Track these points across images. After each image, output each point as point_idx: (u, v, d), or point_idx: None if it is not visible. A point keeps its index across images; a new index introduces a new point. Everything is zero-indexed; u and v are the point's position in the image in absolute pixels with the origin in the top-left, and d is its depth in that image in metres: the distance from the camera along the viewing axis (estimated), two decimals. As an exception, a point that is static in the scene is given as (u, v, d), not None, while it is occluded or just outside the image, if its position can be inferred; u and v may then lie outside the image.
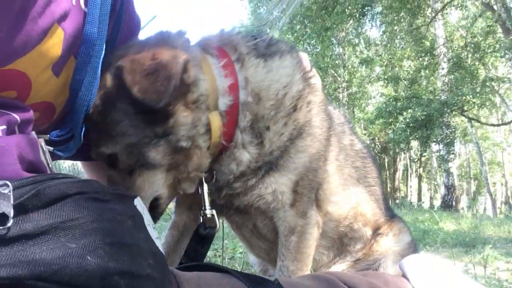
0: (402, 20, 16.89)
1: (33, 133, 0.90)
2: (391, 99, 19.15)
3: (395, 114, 17.62)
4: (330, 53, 21.22)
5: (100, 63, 0.97)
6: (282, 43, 1.31)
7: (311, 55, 20.77)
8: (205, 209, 1.23)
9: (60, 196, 0.70)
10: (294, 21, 17.24)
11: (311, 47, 20.45)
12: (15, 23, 0.78)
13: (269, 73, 1.19)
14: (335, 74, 22.60)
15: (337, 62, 22.31)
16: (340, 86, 22.63)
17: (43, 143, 0.92)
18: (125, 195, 0.88)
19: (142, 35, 1.23)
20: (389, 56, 19.88)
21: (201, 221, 1.25)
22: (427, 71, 18.17)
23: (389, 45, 19.43)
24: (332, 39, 19.86)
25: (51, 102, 0.98)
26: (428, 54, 16.94)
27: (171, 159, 1.08)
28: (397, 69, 20.06)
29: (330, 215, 1.38)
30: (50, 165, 0.92)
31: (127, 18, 1.13)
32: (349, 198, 1.42)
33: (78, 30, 0.91)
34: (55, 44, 0.88)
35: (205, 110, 1.08)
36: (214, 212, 1.24)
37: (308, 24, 17.07)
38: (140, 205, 0.91)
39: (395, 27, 17.67)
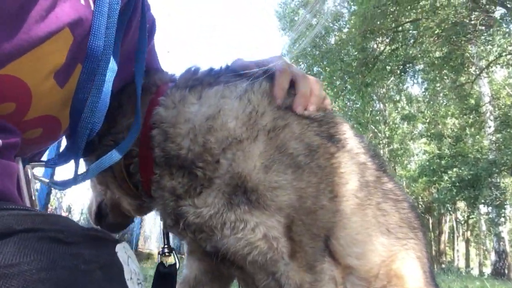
0: (445, 77, 16.64)
1: (19, 159, 0.80)
2: (434, 157, 18.50)
3: (439, 172, 16.95)
4: (371, 109, 21.06)
5: (109, 81, 0.86)
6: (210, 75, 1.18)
7: (351, 111, 20.75)
8: (164, 247, 1.21)
9: (2, 232, 0.55)
10: (334, 77, 17.39)
11: (351, 102, 20.43)
12: (10, 21, 0.69)
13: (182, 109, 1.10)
14: (376, 130, 22.28)
15: (377, 118, 22.06)
16: (380, 142, 22.20)
17: (29, 172, 0.82)
18: (101, 238, 0.73)
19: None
20: (432, 113, 19.46)
21: (159, 260, 1.23)
22: (472, 129, 17.57)
23: (431, 102, 19.09)
24: (372, 95, 19.78)
25: (55, 117, 0.87)
26: (474, 112, 16.44)
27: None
28: (440, 126, 19.55)
29: (354, 270, 1.08)
30: (33, 197, 0.82)
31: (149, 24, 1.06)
32: (377, 249, 1.10)
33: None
34: (59, 49, 0.78)
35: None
36: (173, 249, 1.22)
37: (348, 80, 17.14)
38: (124, 253, 0.75)
39: (438, 84, 17.41)
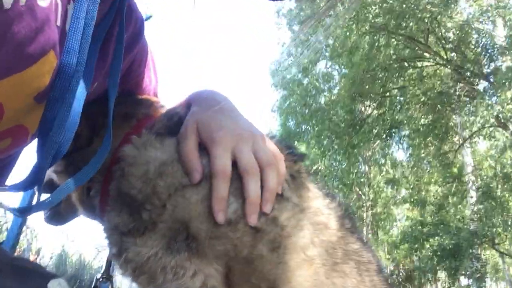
0: (429, 144, 17.00)
1: None
2: (417, 224, 18.43)
3: (421, 240, 16.81)
4: (356, 170, 21.21)
5: (80, 99, 0.81)
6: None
7: (336, 171, 20.87)
8: (103, 273, 1.24)
9: None
10: (322, 136, 17.66)
11: (337, 162, 20.58)
12: None
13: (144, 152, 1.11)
14: (360, 192, 22.31)
15: (362, 180, 22.17)
16: (364, 205, 22.17)
17: None
18: (30, 270, 0.65)
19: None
20: (416, 179, 19.66)
21: (95, 285, 1.24)
22: (455, 198, 17.70)
23: (415, 168, 19.35)
24: (358, 156, 20.01)
25: (23, 125, 0.84)
26: (456, 181, 16.67)
27: None
28: (423, 193, 19.68)
29: None
30: None
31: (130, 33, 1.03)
32: None
33: None
34: (43, 73, 0.74)
35: None
36: (111, 278, 1.23)
37: (335, 140, 17.41)
38: None
39: (422, 151, 17.74)
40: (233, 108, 1.17)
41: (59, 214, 1.37)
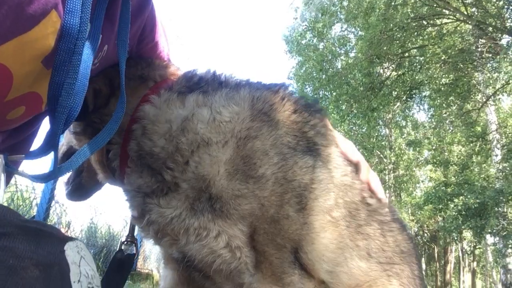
0: (451, 104, 16.58)
1: None
2: (440, 184, 18.26)
3: (445, 200, 16.69)
4: (376, 134, 20.98)
5: (87, 61, 0.80)
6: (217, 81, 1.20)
7: (356, 135, 20.69)
8: (128, 236, 1.24)
9: None
10: (340, 101, 17.40)
11: (357, 127, 20.37)
12: None
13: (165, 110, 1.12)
14: (381, 156, 22.14)
15: (383, 143, 21.95)
16: (386, 168, 22.03)
17: (1, 160, 0.76)
18: (45, 233, 0.63)
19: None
20: (438, 140, 19.34)
21: (119, 248, 1.26)
22: (479, 157, 17.37)
23: (438, 128, 18.99)
24: (378, 120, 19.73)
25: (36, 92, 0.83)
26: (480, 140, 16.29)
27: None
28: (446, 153, 19.39)
29: (327, 287, 1.05)
30: (2, 186, 0.75)
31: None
32: (352, 272, 1.05)
33: None
34: (46, 34, 0.73)
35: None
36: (136, 240, 1.25)
37: (354, 104, 17.13)
38: (76, 252, 0.65)
39: (444, 111, 17.34)
40: None
41: (81, 187, 1.37)
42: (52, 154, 0.89)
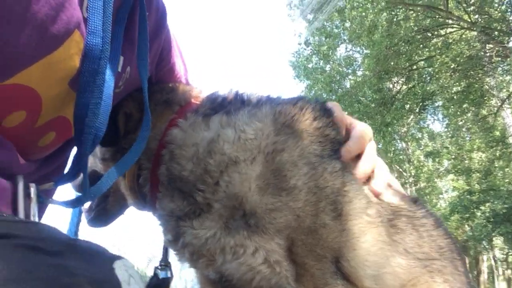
0: (466, 111, 16.48)
1: (19, 177, 0.73)
2: (465, 193, 17.92)
3: (471, 208, 16.34)
4: (393, 148, 20.82)
5: (109, 81, 0.79)
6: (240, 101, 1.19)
7: (373, 152, 20.51)
8: (162, 261, 1.27)
9: None
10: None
11: (373, 143, 20.24)
12: (15, 27, 0.63)
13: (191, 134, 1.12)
14: (400, 170, 21.89)
15: (401, 157, 21.75)
16: (407, 181, 21.74)
17: (32, 190, 0.74)
18: (94, 250, 0.62)
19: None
20: (457, 148, 19.11)
21: (154, 273, 1.26)
22: (501, 162, 17.08)
23: (455, 137, 18.81)
24: (393, 134, 19.63)
25: (66, 118, 0.83)
26: (500, 144, 16.07)
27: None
28: (467, 161, 19.11)
29: None
30: (31, 218, 0.73)
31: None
32: (395, 271, 0.99)
33: None
34: (71, 55, 0.73)
35: None
36: (169, 264, 1.26)
37: (367, 121, 17.12)
38: (125, 271, 0.63)
39: (459, 119, 17.22)
40: None
41: (105, 212, 1.36)
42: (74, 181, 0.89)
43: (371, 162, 1.10)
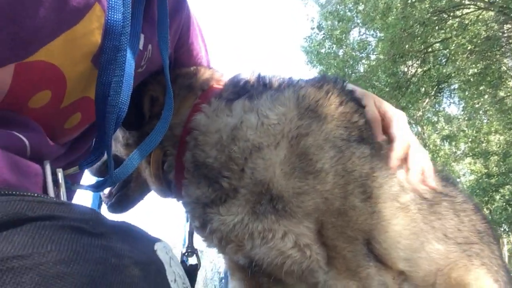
0: (483, 93, 16.13)
1: (47, 162, 0.70)
2: (483, 176, 17.65)
3: (490, 192, 16.11)
4: (409, 133, 20.55)
5: (131, 59, 0.78)
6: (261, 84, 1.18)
7: (388, 137, 20.30)
8: (188, 247, 1.27)
9: (8, 220, 0.46)
10: (368, 104, 17.18)
11: (388, 128, 20.01)
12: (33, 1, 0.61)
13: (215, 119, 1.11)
14: (416, 154, 21.62)
15: (417, 141, 21.46)
16: (423, 166, 21.48)
17: (60, 175, 0.73)
18: (137, 233, 0.63)
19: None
20: (474, 131, 18.78)
21: (181, 259, 1.24)
22: (520, 144, 16.77)
23: (472, 120, 18.47)
24: (409, 118, 19.37)
25: (91, 98, 0.80)
26: (518, 126, 15.76)
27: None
28: (484, 144, 18.78)
29: (407, 277, 1.00)
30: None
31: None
32: (431, 256, 1.01)
33: None
34: (92, 29, 0.71)
35: None
36: (196, 251, 1.26)
37: (382, 106, 16.87)
38: (165, 253, 0.64)
39: (476, 101, 16.87)
40: None
41: (126, 198, 1.35)
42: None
43: (403, 146, 1.11)
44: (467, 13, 14.24)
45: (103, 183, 0.89)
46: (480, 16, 14.04)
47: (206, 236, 1.11)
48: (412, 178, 1.07)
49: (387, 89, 16.26)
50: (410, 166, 1.09)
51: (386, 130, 1.14)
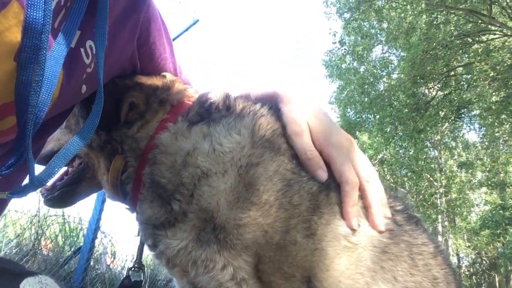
0: (504, 122, 15.78)
1: None
2: (497, 208, 17.22)
3: (503, 224, 15.70)
4: (425, 156, 20.22)
5: (57, 57, 0.75)
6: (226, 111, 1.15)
7: (403, 158, 20.04)
8: (136, 263, 1.27)
9: None
10: (384, 123, 17.01)
11: (403, 149, 19.75)
12: None
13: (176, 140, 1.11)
14: (431, 179, 21.25)
15: (432, 166, 21.11)
16: (437, 191, 21.09)
17: None
18: (1, 270, 0.60)
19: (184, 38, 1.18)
20: (492, 160, 18.37)
21: (127, 274, 1.25)
22: (538, 178, 16.31)
23: (490, 148, 18.08)
24: (425, 141, 19.07)
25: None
26: (539, 159, 15.34)
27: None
28: (502, 174, 18.34)
29: None
30: None
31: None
32: None
33: None
34: (9, 26, 0.69)
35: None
36: (143, 267, 1.25)
37: (399, 126, 16.67)
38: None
39: (496, 130, 16.52)
40: (325, 111, 1.15)
41: (73, 194, 1.31)
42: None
43: (354, 187, 1.02)
44: (492, 39, 14.01)
45: (25, 188, 0.83)
46: (506, 43, 13.77)
47: (157, 255, 1.11)
48: (375, 215, 1.01)
49: (405, 110, 16.08)
50: (371, 202, 1.02)
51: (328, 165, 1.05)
